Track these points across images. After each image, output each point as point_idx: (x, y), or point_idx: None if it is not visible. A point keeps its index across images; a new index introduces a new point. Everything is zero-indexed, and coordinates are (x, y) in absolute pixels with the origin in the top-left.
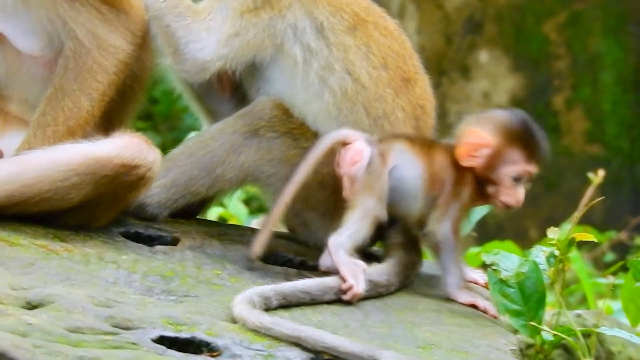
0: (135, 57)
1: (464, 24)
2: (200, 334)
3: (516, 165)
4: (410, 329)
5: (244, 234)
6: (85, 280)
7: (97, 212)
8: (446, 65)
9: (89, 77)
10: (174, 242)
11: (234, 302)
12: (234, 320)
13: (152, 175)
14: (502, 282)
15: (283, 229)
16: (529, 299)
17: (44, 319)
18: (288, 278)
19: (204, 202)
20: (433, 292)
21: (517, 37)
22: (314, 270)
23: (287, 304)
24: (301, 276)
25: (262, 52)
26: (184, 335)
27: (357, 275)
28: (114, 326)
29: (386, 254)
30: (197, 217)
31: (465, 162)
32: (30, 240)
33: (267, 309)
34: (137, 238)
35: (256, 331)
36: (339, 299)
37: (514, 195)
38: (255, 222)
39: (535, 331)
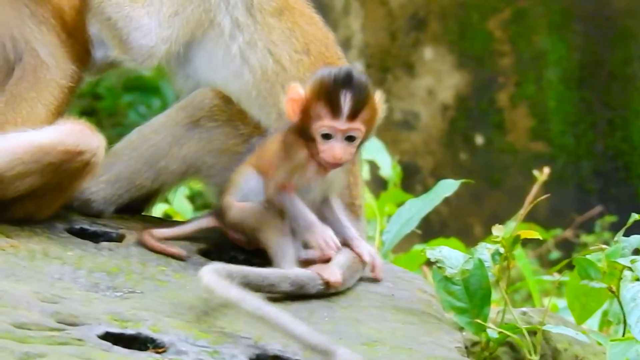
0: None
1: (408, 20)
2: (146, 330)
3: (321, 120)
4: (355, 325)
5: None
6: (31, 276)
7: (43, 201)
8: (390, 62)
9: (45, 89)
10: (119, 238)
11: (202, 271)
12: (179, 317)
13: (97, 161)
14: (447, 279)
15: None
16: (473, 296)
17: None
18: None
19: (149, 198)
20: (376, 289)
21: (461, 34)
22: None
23: (246, 285)
24: None
25: (199, 29)
26: (130, 331)
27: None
28: (60, 322)
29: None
30: (143, 213)
31: (290, 118)
32: None
33: None
34: (83, 234)
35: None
36: (295, 290)
37: (329, 151)
38: None
39: (481, 328)
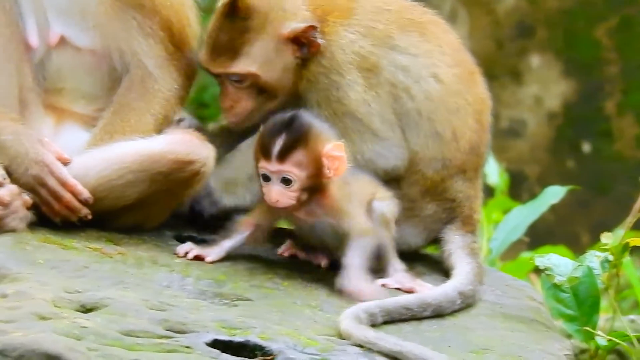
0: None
1: (514, 28)
2: (254, 338)
3: (258, 161)
4: (464, 333)
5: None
6: (139, 283)
7: (152, 211)
8: (497, 70)
9: (154, 100)
10: None
11: (341, 317)
12: (287, 324)
13: (206, 171)
14: (556, 287)
15: None
16: (582, 303)
17: (98, 322)
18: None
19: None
20: (486, 297)
21: (568, 41)
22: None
23: (391, 320)
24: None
25: (396, 99)
26: (238, 339)
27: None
28: (168, 330)
29: (456, 260)
30: None
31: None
32: (83, 244)
33: (373, 325)
34: (190, 241)
35: (361, 346)
36: (434, 315)
37: (267, 194)
38: None
39: (590, 336)
